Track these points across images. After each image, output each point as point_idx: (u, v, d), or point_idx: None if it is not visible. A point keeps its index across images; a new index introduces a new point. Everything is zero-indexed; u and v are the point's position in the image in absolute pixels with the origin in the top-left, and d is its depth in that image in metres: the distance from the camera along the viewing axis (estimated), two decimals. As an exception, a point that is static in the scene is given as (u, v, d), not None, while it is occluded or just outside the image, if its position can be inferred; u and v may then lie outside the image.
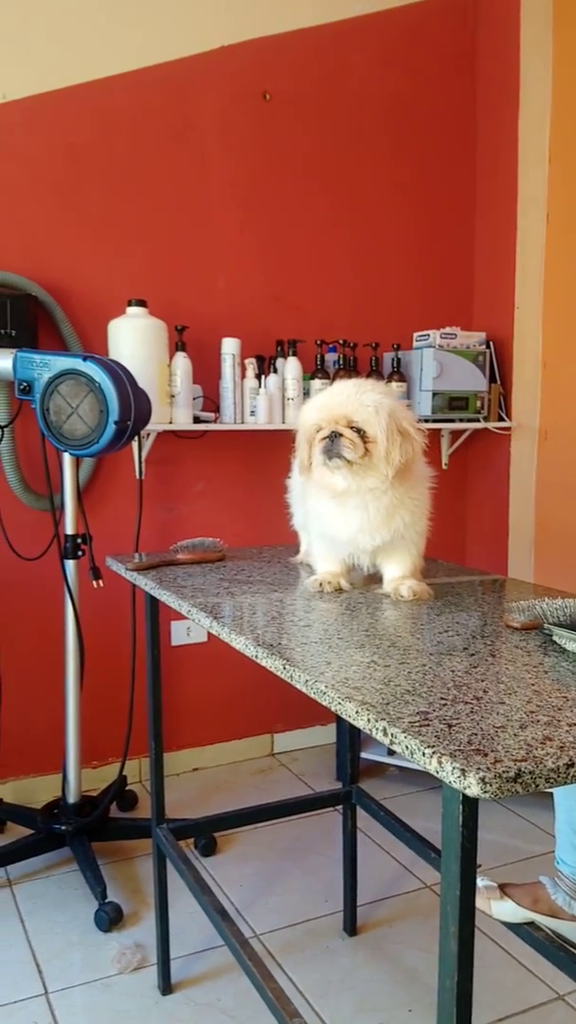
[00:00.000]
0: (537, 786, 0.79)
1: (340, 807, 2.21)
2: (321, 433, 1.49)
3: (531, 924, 1.55)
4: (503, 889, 1.58)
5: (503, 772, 0.77)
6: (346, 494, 1.50)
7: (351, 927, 2.15)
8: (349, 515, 1.52)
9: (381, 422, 1.45)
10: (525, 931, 1.55)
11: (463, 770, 0.78)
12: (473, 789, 0.77)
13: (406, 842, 1.94)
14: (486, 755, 0.81)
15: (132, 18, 2.72)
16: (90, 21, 2.66)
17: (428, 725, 0.90)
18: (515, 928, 1.58)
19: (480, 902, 1.58)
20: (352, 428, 1.47)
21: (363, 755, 2.91)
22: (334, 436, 1.46)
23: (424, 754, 0.83)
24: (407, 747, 0.87)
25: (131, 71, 2.74)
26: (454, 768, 0.79)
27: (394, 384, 3.02)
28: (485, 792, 0.77)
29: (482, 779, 0.76)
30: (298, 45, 2.98)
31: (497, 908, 1.56)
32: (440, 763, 0.81)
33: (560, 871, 1.57)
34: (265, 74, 2.94)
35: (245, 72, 2.91)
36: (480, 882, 1.60)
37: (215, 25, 2.84)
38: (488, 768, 0.78)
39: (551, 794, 1.60)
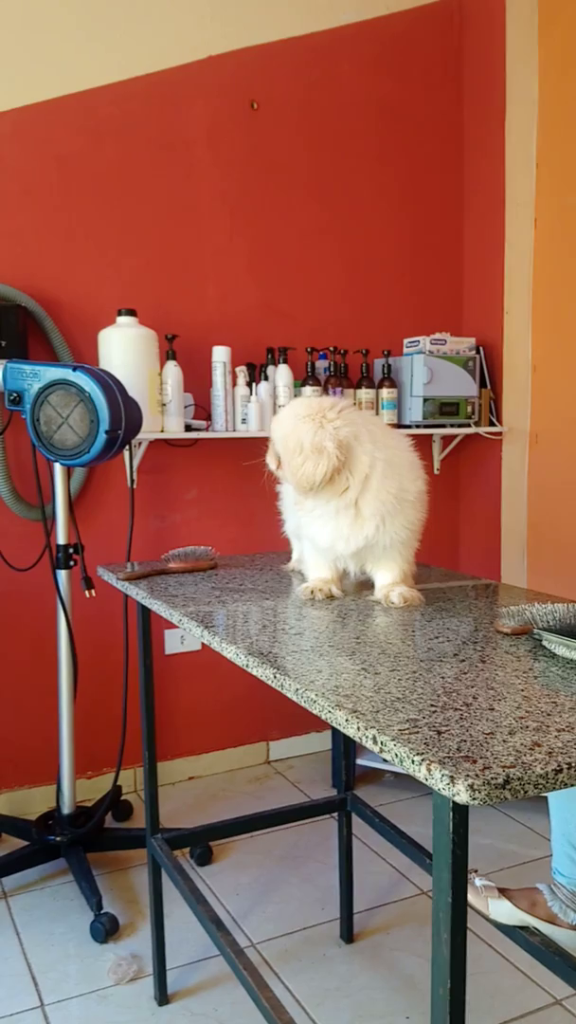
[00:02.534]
0: (526, 793, 0.79)
1: (336, 814, 2.20)
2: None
3: (526, 929, 1.55)
4: (501, 892, 1.58)
5: (492, 779, 0.77)
6: (304, 503, 1.57)
7: (348, 934, 2.15)
8: (326, 522, 1.54)
9: (277, 444, 1.58)
10: (522, 936, 1.55)
11: (452, 777, 0.78)
12: (462, 796, 0.77)
13: (401, 848, 1.94)
14: (475, 762, 0.81)
15: (119, 28, 2.73)
16: (76, 32, 2.67)
17: (417, 732, 0.90)
18: (512, 933, 1.58)
19: (477, 902, 1.57)
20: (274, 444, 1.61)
21: (359, 761, 2.91)
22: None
23: (413, 761, 0.83)
24: (396, 755, 0.87)
25: (119, 81, 2.75)
26: (443, 775, 0.79)
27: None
28: (474, 799, 0.77)
29: (471, 786, 0.77)
30: (286, 54, 3.00)
31: (494, 908, 1.56)
32: (429, 770, 0.81)
33: (557, 881, 1.57)
34: (253, 83, 2.95)
35: (233, 81, 2.92)
36: (477, 881, 1.60)
37: (202, 35, 2.85)
38: (477, 775, 0.78)
39: (548, 799, 1.61)
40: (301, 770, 3.14)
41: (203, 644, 3.01)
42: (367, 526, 1.51)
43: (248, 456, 3.03)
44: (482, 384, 3.22)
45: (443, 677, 1.09)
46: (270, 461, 1.61)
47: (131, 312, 2.61)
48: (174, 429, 2.72)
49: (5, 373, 2.11)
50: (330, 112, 3.10)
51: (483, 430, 3.22)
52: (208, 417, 2.86)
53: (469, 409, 3.15)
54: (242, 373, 2.85)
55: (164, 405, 2.69)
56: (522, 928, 1.55)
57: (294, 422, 1.52)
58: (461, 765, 0.80)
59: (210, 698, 3.08)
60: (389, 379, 3.07)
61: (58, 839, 2.38)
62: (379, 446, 1.53)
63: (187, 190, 2.89)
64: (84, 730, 2.58)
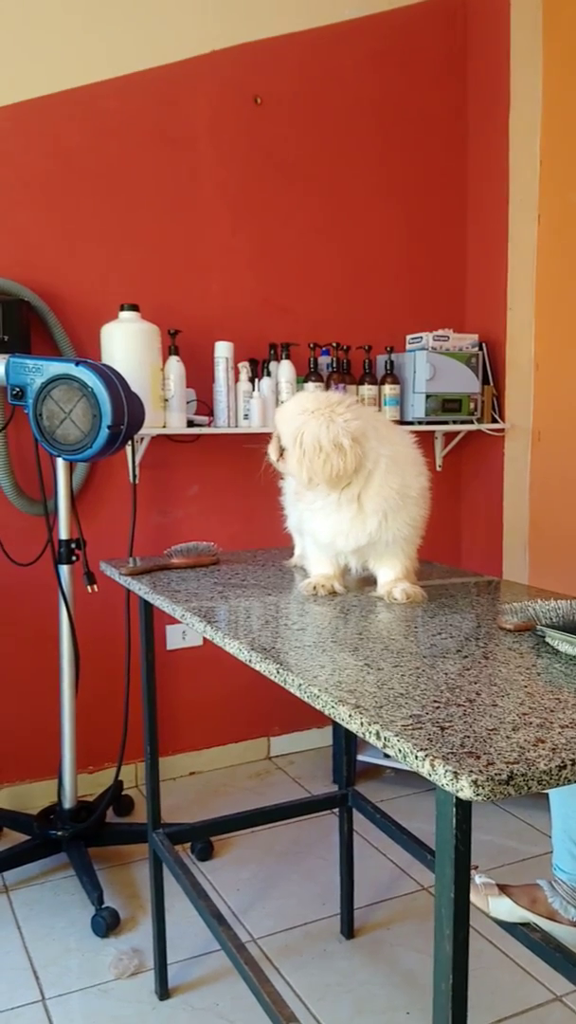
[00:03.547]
0: (529, 788, 0.79)
1: (337, 810, 2.21)
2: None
3: (527, 925, 1.55)
4: (501, 889, 1.58)
5: (495, 775, 0.77)
6: (304, 495, 1.56)
7: (348, 930, 2.15)
8: (328, 516, 1.54)
9: (284, 438, 1.55)
10: (522, 932, 1.55)
11: (455, 773, 0.78)
12: (465, 792, 0.77)
13: (402, 844, 1.94)
14: (478, 758, 0.81)
15: (122, 22, 2.72)
16: (78, 26, 2.66)
17: (421, 728, 0.90)
18: (512, 929, 1.58)
19: (477, 899, 1.58)
20: (278, 436, 1.60)
21: (360, 758, 2.91)
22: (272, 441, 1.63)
23: (417, 757, 0.83)
24: (400, 750, 0.87)
25: (122, 75, 2.74)
26: (446, 771, 0.79)
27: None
28: (477, 795, 0.77)
29: (474, 782, 0.77)
30: (289, 49, 2.99)
31: (495, 906, 1.56)
32: (433, 766, 0.81)
33: (557, 877, 1.57)
34: (256, 78, 2.95)
35: (236, 76, 2.91)
36: (478, 879, 1.60)
37: (206, 29, 2.84)
38: (480, 771, 0.78)
39: (548, 795, 1.61)
40: (302, 766, 3.15)
41: (204, 639, 3.02)
42: (370, 522, 1.51)
43: (251, 452, 3.03)
44: (485, 381, 3.22)
45: (446, 673, 1.09)
46: (272, 452, 1.61)
47: (134, 307, 2.61)
48: (176, 424, 2.72)
49: (8, 368, 2.11)
50: (333, 107, 3.09)
51: (485, 427, 3.22)
52: (210, 413, 2.86)
53: (472, 406, 3.14)
54: (244, 369, 2.85)
55: (166, 400, 2.69)
56: (523, 924, 1.55)
57: (303, 417, 1.52)
58: (464, 761, 0.80)
59: (211, 693, 3.08)
60: (392, 375, 3.07)
61: (59, 834, 2.38)
62: (383, 442, 1.53)
63: (189, 185, 2.88)
64: (85, 725, 2.58)
